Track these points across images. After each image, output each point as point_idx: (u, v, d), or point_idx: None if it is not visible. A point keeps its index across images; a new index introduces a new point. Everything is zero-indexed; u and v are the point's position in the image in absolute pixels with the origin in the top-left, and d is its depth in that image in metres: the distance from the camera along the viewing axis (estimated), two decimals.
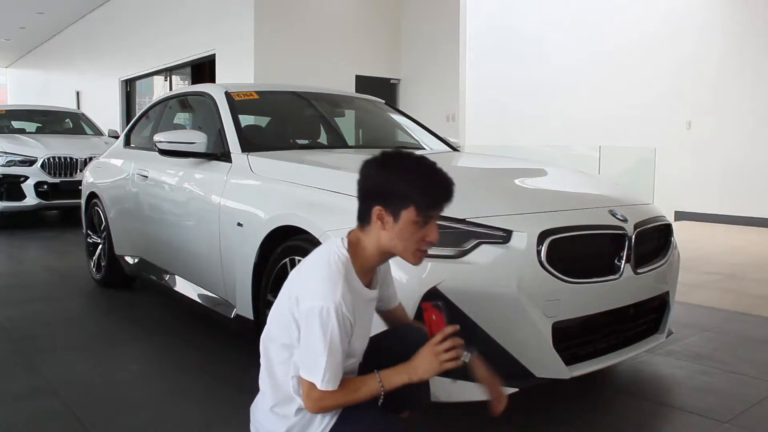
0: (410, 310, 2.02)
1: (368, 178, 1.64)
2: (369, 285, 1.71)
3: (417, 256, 1.64)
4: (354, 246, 1.65)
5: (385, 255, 1.67)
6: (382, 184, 1.61)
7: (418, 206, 1.57)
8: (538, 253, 2.17)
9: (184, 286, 3.48)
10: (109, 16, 14.09)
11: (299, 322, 1.57)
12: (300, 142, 3.85)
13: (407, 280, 2.07)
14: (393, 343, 1.78)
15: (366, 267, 1.67)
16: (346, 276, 1.59)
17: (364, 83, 9.72)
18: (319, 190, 2.50)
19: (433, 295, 2.02)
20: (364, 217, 1.65)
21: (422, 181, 1.59)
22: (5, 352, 3.21)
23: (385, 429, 1.67)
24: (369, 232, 1.64)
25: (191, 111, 4.63)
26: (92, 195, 4.67)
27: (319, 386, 1.53)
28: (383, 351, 1.73)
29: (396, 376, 1.59)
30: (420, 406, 1.87)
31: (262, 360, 1.72)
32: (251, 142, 3.24)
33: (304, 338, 1.55)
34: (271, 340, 1.69)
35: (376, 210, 1.60)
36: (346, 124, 4.24)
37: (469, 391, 2.10)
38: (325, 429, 1.64)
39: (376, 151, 1.70)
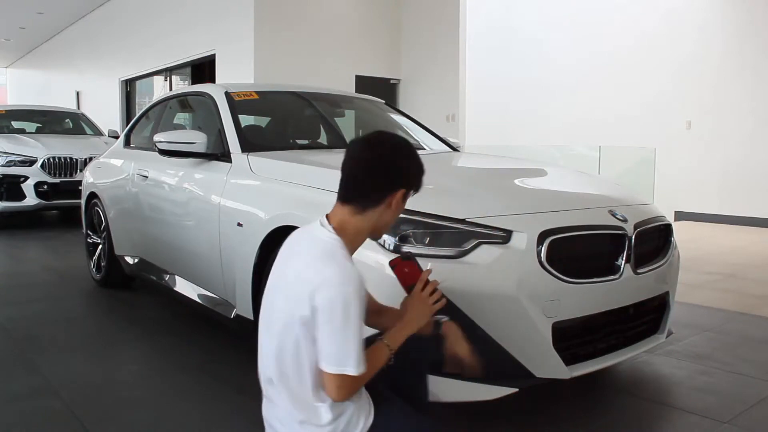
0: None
1: (385, 160, 1.61)
2: None
3: None
4: (341, 230, 1.59)
5: (375, 235, 1.69)
6: (400, 166, 1.63)
7: (414, 187, 1.66)
8: (538, 253, 2.17)
9: (183, 286, 3.48)
10: (109, 16, 14.09)
11: (315, 318, 1.49)
12: (300, 142, 3.85)
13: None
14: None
15: (352, 249, 1.62)
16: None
17: (364, 83, 9.71)
18: (319, 190, 2.50)
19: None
20: (376, 200, 1.60)
21: (418, 163, 1.67)
22: (5, 352, 3.21)
23: None
24: (370, 213, 1.60)
25: (191, 111, 4.63)
26: (92, 195, 4.67)
27: (355, 372, 1.48)
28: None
29: (400, 334, 1.64)
30: (425, 406, 1.85)
31: (274, 386, 1.62)
32: (251, 142, 3.24)
33: (327, 331, 1.48)
34: (283, 351, 1.56)
35: (401, 192, 1.62)
36: (346, 124, 4.24)
37: (469, 391, 2.11)
38: None
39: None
